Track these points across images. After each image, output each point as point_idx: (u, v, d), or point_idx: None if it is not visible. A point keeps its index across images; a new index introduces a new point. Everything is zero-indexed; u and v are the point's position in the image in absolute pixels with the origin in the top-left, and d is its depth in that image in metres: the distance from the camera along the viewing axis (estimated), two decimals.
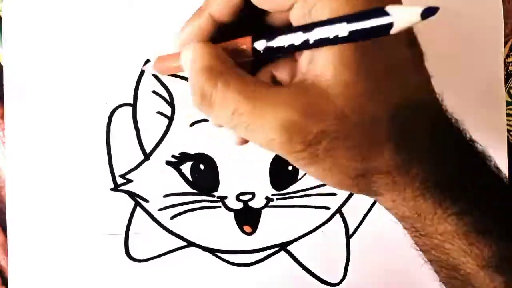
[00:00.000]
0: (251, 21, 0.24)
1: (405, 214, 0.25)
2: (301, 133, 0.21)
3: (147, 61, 0.38)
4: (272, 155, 0.39)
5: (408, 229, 0.26)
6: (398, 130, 0.22)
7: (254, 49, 0.22)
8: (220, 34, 0.24)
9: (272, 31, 0.22)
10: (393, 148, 0.22)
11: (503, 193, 0.26)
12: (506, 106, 0.41)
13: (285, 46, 0.21)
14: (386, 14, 0.17)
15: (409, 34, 0.24)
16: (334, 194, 0.40)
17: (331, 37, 0.19)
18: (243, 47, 0.22)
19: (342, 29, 0.19)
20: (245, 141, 0.27)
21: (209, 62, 0.22)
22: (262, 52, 0.22)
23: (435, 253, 0.25)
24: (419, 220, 0.24)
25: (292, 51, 0.22)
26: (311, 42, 0.20)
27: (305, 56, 0.22)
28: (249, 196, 0.39)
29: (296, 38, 0.21)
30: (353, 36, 0.19)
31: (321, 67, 0.21)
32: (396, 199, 0.24)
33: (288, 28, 0.21)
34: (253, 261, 0.40)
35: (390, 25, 0.18)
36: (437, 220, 0.24)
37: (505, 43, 0.41)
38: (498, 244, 0.24)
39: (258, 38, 0.22)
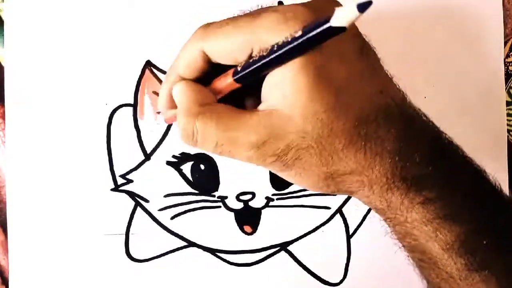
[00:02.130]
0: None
1: (379, 207, 0.27)
2: (271, 149, 0.25)
3: (148, 61, 0.38)
4: None
5: (384, 220, 0.29)
6: (359, 137, 0.25)
7: (237, 79, 0.26)
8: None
9: (247, 61, 0.25)
10: (354, 153, 0.25)
11: (469, 180, 0.28)
12: (506, 106, 0.41)
13: (261, 66, 0.24)
14: (327, 21, 0.21)
15: (358, 45, 0.26)
16: (335, 194, 0.40)
17: (292, 49, 0.23)
18: (229, 80, 0.26)
19: (297, 41, 0.23)
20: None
21: (188, 104, 0.26)
22: (244, 77, 0.25)
23: (407, 239, 0.28)
24: (390, 210, 0.27)
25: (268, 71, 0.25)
26: (280, 56, 0.23)
27: (265, 86, 0.25)
28: (249, 196, 0.39)
29: (267, 59, 0.24)
30: (307, 45, 0.23)
31: (278, 95, 0.24)
32: (368, 194, 0.27)
33: (261, 56, 0.24)
34: (253, 261, 0.40)
35: (339, 29, 0.21)
36: (405, 210, 0.27)
37: (505, 43, 0.41)
38: (460, 229, 0.26)
39: (237, 72, 0.26)
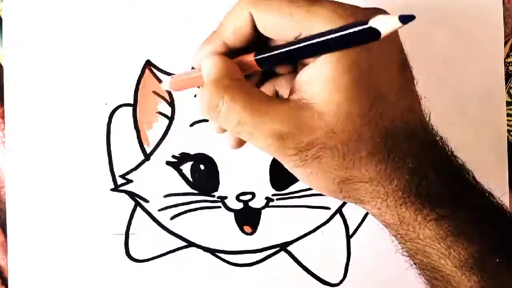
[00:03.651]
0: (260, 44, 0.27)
1: (390, 221, 0.27)
2: (294, 141, 0.24)
3: (148, 61, 0.38)
4: None
5: (395, 235, 0.28)
6: (384, 148, 0.25)
7: (257, 60, 0.25)
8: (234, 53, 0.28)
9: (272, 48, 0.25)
10: (376, 163, 0.25)
11: (479, 202, 0.28)
12: (506, 106, 0.41)
13: (283, 53, 0.24)
14: (366, 23, 0.21)
15: (401, 60, 0.26)
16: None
17: (320, 43, 0.23)
18: (249, 60, 0.26)
19: (334, 36, 0.22)
20: (240, 145, 0.31)
21: (219, 75, 0.25)
22: (265, 62, 0.25)
23: (419, 257, 0.27)
24: (402, 226, 0.27)
25: (292, 66, 0.25)
26: (309, 47, 0.23)
27: (301, 77, 0.25)
28: (249, 196, 0.39)
29: (291, 47, 0.24)
30: (338, 43, 0.22)
31: (315, 89, 0.24)
32: (380, 207, 0.26)
33: (289, 43, 0.24)
34: (253, 261, 0.40)
35: (374, 32, 0.21)
36: (418, 226, 0.26)
37: (505, 43, 0.41)
38: (473, 247, 0.26)
39: (260, 52, 0.25)
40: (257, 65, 0.25)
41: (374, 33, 0.21)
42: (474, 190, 0.28)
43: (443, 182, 0.26)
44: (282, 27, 0.24)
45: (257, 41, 0.26)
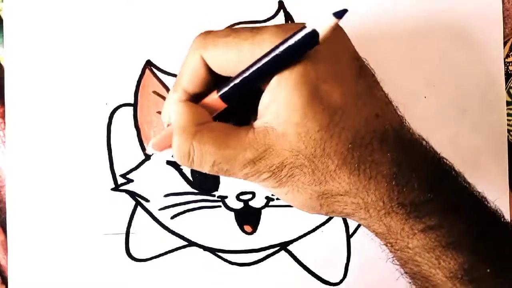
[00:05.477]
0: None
1: (378, 230, 0.27)
2: (266, 165, 0.25)
3: (148, 61, 0.38)
4: None
5: (385, 244, 0.28)
6: (353, 159, 0.24)
7: (221, 97, 0.26)
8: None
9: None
10: (348, 175, 0.25)
11: (471, 208, 0.27)
12: (506, 106, 0.41)
13: (239, 82, 0.25)
14: (304, 28, 0.22)
15: (356, 67, 0.25)
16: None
17: (272, 60, 0.23)
18: (214, 98, 0.26)
19: (278, 51, 0.23)
20: None
21: (185, 122, 0.26)
22: (227, 95, 0.26)
23: (409, 265, 0.27)
24: (390, 235, 0.27)
25: (256, 89, 0.25)
26: (260, 69, 0.24)
27: (261, 103, 0.25)
28: (250, 196, 0.39)
29: (247, 73, 0.24)
30: (288, 54, 0.23)
31: (274, 112, 0.24)
32: (365, 217, 0.26)
33: (241, 71, 0.25)
34: (253, 260, 0.40)
35: (314, 34, 0.22)
36: (406, 236, 0.26)
37: (505, 43, 0.41)
38: (463, 257, 0.26)
39: (221, 88, 0.26)
40: (222, 101, 0.26)
41: (314, 35, 0.22)
42: (465, 195, 0.27)
43: (428, 187, 0.25)
44: (233, 62, 0.25)
45: (218, 82, 0.27)
